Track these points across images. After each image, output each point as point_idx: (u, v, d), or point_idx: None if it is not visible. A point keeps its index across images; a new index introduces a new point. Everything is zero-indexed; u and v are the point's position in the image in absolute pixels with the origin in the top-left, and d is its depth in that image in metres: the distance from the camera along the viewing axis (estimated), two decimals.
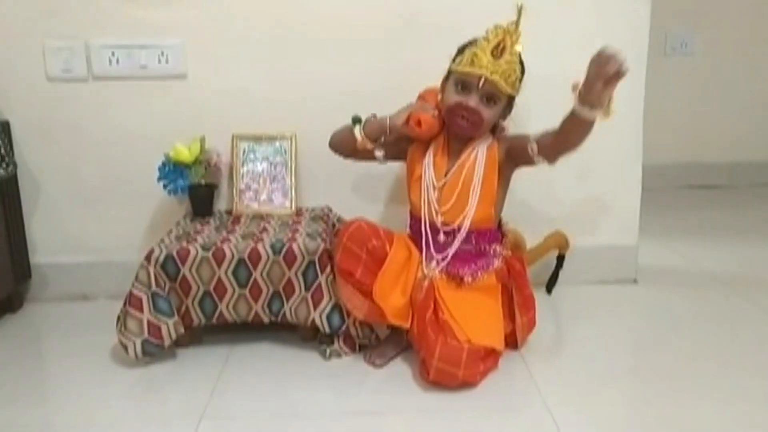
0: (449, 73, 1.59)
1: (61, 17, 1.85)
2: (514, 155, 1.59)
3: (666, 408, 1.39)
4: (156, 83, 1.90)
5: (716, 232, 2.58)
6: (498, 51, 1.50)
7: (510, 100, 1.59)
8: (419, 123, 1.57)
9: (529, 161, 1.55)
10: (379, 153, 1.66)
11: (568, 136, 1.46)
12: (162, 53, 1.88)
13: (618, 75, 1.31)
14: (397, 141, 1.67)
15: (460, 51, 1.56)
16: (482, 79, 1.50)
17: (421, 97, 1.64)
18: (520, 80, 1.56)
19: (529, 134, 1.55)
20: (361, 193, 1.97)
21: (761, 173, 3.28)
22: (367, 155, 1.68)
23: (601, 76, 1.31)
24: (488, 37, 1.51)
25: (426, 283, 1.56)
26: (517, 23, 1.50)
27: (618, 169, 2.00)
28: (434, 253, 1.59)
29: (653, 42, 1.95)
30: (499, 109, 1.56)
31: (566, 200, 2.00)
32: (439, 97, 1.60)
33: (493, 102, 1.54)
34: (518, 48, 1.51)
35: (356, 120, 1.64)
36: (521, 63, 1.55)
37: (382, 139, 1.64)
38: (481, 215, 1.58)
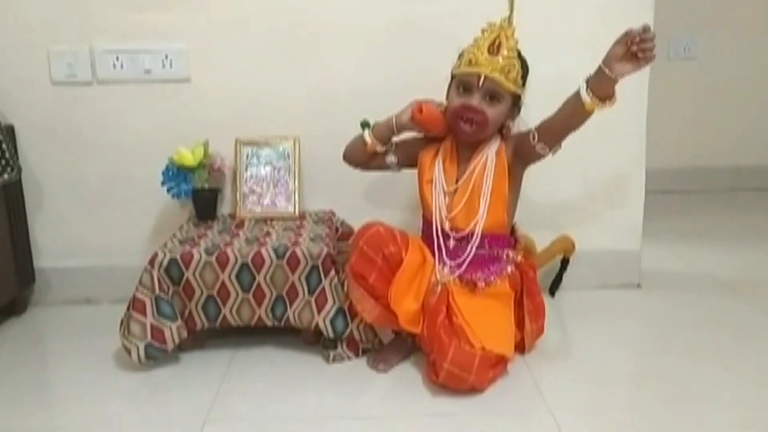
0: (452, 78, 1.59)
1: (66, 22, 1.86)
2: (520, 152, 1.59)
3: (669, 413, 1.38)
4: (160, 87, 1.90)
5: (720, 236, 2.58)
6: (494, 48, 1.50)
7: (516, 100, 1.58)
8: (420, 110, 1.57)
9: (533, 153, 1.56)
10: (390, 158, 1.67)
11: (566, 120, 1.50)
12: (166, 57, 1.88)
13: (644, 52, 1.35)
14: (407, 146, 1.68)
15: (461, 54, 1.56)
16: (481, 78, 1.49)
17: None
18: (523, 77, 1.56)
19: (531, 127, 1.56)
20: (365, 197, 1.97)
21: (765, 177, 3.27)
22: (380, 163, 1.68)
23: (627, 43, 1.35)
24: (483, 36, 1.51)
25: (439, 288, 1.56)
26: (510, 18, 1.50)
27: (621, 173, 2.00)
28: (446, 259, 1.59)
29: (657, 46, 1.94)
30: (503, 108, 1.55)
31: (570, 204, 2.00)
32: (445, 103, 1.61)
33: (496, 100, 1.53)
34: (515, 40, 1.51)
35: (365, 124, 1.64)
36: (523, 60, 1.55)
37: (392, 143, 1.65)
38: (494, 220, 1.57)
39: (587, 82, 1.42)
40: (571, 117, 1.48)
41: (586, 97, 1.41)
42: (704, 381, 1.50)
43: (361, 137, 1.65)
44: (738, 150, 3.26)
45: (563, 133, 1.52)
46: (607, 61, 1.38)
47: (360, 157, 1.68)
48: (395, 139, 1.67)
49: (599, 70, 1.39)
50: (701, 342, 1.69)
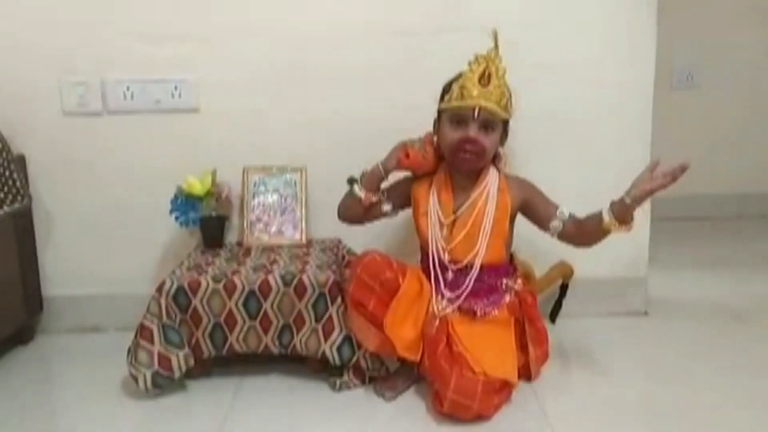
0: (440, 113, 1.61)
1: (78, 53, 1.90)
2: (531, 214, 1.63)
3: None
4: (169, 117, 1.93)
5: (726, 263, 2.57)
6: (485, 79, 1.52)
7: (504, 125, 1.61)
8: (407, 155, 1.60)
9: (541, 228, 1.61)
10: (386, 207, 1.68)
11: (588, 237, 1.59)
12: (175, 88, 1.91)
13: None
14: (398, 187, 1.70)
15: (446, 89, 1.59)
16: (477, 109, 1.52)
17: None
18: (511, 102, 1.58)
19: (557, 208, 1.59)
20: (371, 226, 1.97)
21: None
22: (376, 213, 1.70)
23: (654, 183, 1.52)
24: (472, 68, 1.54)
25: (437, 321, 1.56)
26: (495, 48, 1.53)
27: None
28: (444, 290, 1.59)
29: (659, 75, 1.97)
30: (497, 136, 1.58)
31: None
32: (435, 138, 1.63)
33: (491, 129, 1.56)
34: (503, 69, 1.53)
35: (352, 180, 1.66)
36: (508, 88, 1.57)
37: (383, 191, 1.67)
38: (492, 253, 1.59)
39: (612, 206, 1.53)
40: (591, 234, 1.59)
41: (606, 218, 1.53)
42: (711, 410, 1.49)
43: (353, 193, 1.66)
44: (743, 178, 3.26)
45: (581, 246, 1.62)
46: (624, 212, 1.52)
47: (356, 212, 1.69)
48: (384, 185, 1.68)
49: (621, 200, 1.52)
50: (709, 370, 1.68)
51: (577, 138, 1.96)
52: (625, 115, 1.97)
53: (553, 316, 1.98)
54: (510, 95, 1.57)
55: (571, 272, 1.94)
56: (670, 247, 2.59)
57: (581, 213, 1.94)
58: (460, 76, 1.55)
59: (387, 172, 1.64)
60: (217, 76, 1.92)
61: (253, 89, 1.93)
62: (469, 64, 1.54)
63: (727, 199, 3.26)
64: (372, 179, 1.64)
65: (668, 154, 2.78)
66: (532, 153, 1.88)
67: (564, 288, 1.96)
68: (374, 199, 1.65)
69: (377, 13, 1.90)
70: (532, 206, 1.63)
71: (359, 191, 1.64)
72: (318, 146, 1.95)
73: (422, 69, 1.89)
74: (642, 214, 2.00)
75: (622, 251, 2.03)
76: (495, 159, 1.64)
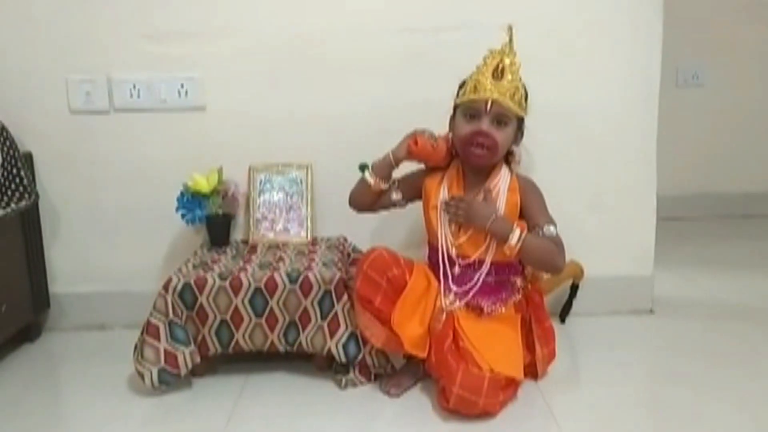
0: (455, 109, 1.61)
1: (85, 52, 1.91)
2: (523, 215, 1.61)
3: None
4: (175, 115, 1.94)
5: (732, 262, 2.57)
6: (498, 73, 1.52)
7: (519, 123, 1.60)
8: (416, 142, 1.60)
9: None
10: (396, 195, 1.68)
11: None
12: (182, 86, 1.92)
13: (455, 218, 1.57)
14: (410, 179, 1.70)
15: (462, 85, 1.59)
16: (489, 102, 1.51)
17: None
18: (526, 100, 1.58)
19: (545, 223, 1.56)
20: (376, 224, 1.98)
21: None
22: (386, 202, 1.70)
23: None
24: (486, 62, 1.54)
25: (444, 315, 1.56)
26: (510, 43, 1.53)
27: (633, 199, 2.01)
28: (452, 285, 1.59)
29: (665, 74, 1.97)
30: (510, 132, 1.57)
31: (582, 231, 2.00)
32: (450, 135, 1.63)
33: (504, 124, 1.55)
34: (517, 64, 1.53)
35: (363, 167, 1.67)
36: (522, 84, 1.57)
37: (395, 180, 1.68)
38: (501, 251, 1.57)
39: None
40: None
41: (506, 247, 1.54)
42: (716, 409, 1.49)
43: (364, 180, 1.66)
44: (748, 176, 3.25)
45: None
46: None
47: (366, 198, 1.70)
48: (396, 175, 1.69)
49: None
50: (714, 369, 1.68)
51: (582, 137, 1.96)
52: (631, 114, 1.97)
53: (563, 316, 1.98)
54: (525, 92, 1.57)
55: (582, 272, 1.93)
56: (676, 246, 2.59)
57: (581, 214, 1.98)
58: (475, 71, 1.55)
59: (397, 161, 1.64)
60: (223, 75, 1.92)
61: (259, 87, 1.93)
62: (484, 58, 1.54)
63: (733, 198, 3.25)
64: (382, 167, 1.65)
65: (673, 154, 2.79)
66: (536, 151, 1.87)
67: (574, 288, 1.96)
68: (384, 186, 1.66)
69: (383, 9, 1.90)
70: (522, 210, 1.61)
71: (370, 177, 1.65)
72: (324, 144, 1.95)
73: (429, 66, 1.90)
74: (649, 213, 2.02)
75: (628, 250, 2.03)
76: (509, 157, 1.64)
